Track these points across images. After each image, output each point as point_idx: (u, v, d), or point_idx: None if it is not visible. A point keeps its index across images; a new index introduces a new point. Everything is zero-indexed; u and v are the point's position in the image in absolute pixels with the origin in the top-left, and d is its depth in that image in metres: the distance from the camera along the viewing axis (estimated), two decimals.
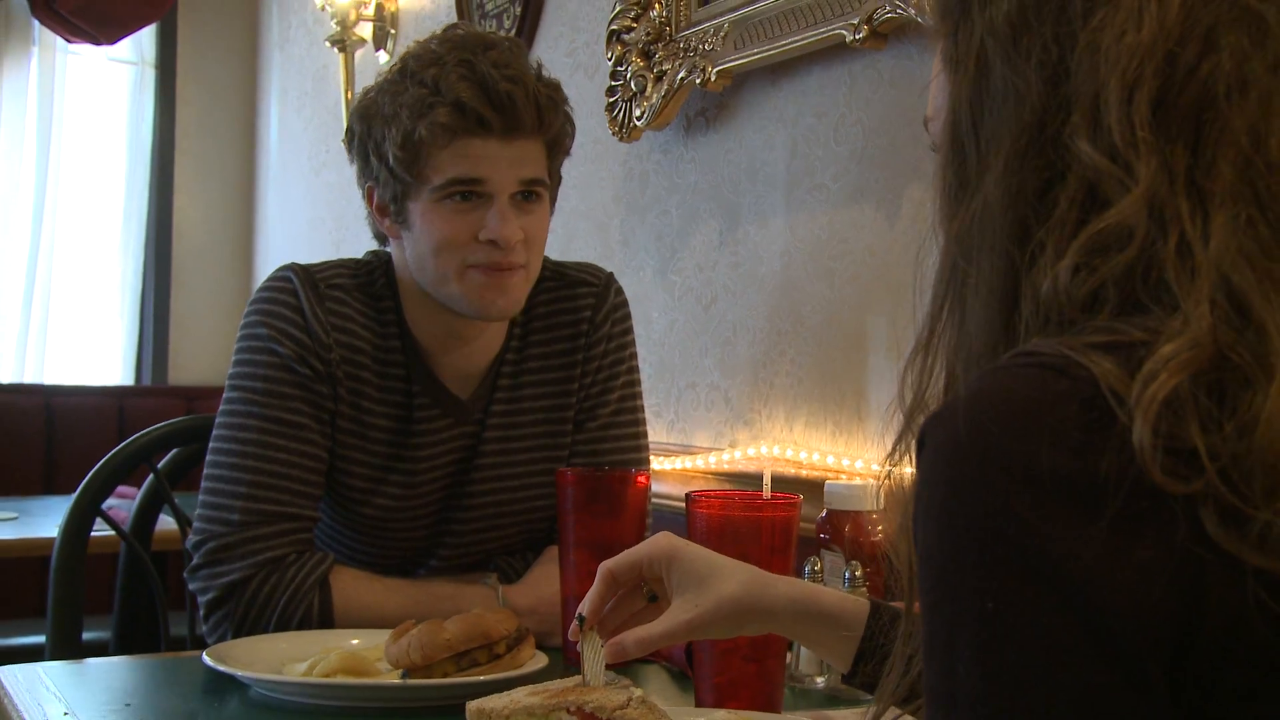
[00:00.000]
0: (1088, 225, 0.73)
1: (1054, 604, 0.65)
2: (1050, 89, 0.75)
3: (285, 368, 1.64)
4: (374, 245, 1.80)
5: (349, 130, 1.70)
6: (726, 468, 2.27)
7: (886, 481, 0.87)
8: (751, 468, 2.19)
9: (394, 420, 1.70)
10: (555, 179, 1.72)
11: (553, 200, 1.73)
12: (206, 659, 1.38)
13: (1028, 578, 0.65)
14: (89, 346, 4.83)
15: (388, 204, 1.67)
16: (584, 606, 1.14)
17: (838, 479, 1.78)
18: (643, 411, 1.83)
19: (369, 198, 1.70)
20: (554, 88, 1.66)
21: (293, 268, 1.70)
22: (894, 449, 0.85)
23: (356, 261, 1.76)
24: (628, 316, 1.82)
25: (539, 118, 1.62)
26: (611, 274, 1.82)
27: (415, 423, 1.70)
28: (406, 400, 1.70)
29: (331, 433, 1.67)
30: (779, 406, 2.24)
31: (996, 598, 0.66)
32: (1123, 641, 0.64)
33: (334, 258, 1.78)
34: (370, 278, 1.73)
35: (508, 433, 1.75)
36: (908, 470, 0.81)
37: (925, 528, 0.70)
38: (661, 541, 1.14)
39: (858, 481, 1.62)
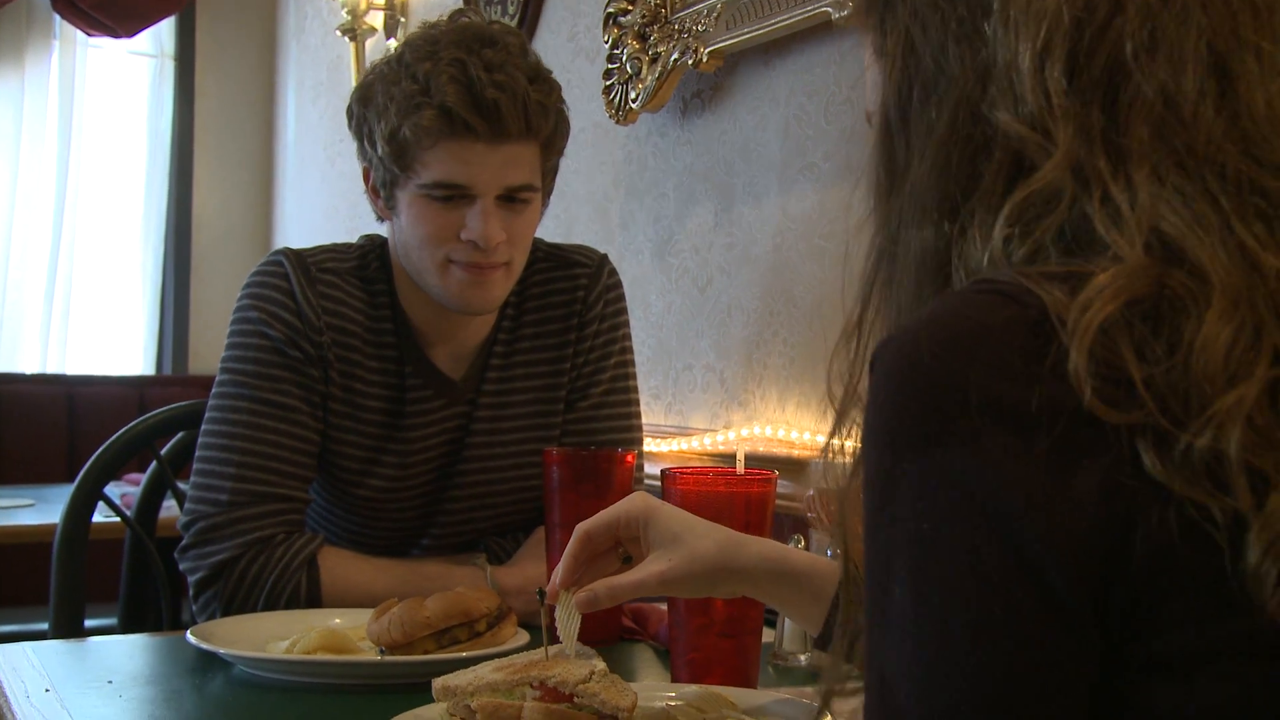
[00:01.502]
0: (1014, 192, 0.73)
1: (986, 529, 0.65)
2: (971, 63, 0.76)
3: (276, 350, 1.65)
4: (382, 230, 1.80)
5: (349, 110, 1.70)
6: (722, 448, 2.27)
7: (824, 473, 0.87)
8: (745, 449, 2.20)
9: (386, 401, 1.70)
10: (550, 176, 1.71)
11: (548, 193, 1.72)
12: (190, 637, 1.39)
13: (962, 502, 0.66)
14: (110, 337, 4.88)
15: (379, 188, 1.68)
16: (558, 571, 1.14)
17: None
18: (636, 393, 1.83)
19: (365, 177, 1.71)
20: (546, 91, 1.63)
21: (284, 252, 1.71)
22: (828, 442, 0.85)
23: (349, 245, 1.76)
24: (621, 298, 1.82)
25: (527, 123, 1.59)
26: (605, 255, 1.82)
27: (408, 403, 1.71)
28: (399, 381, 1.71)
29: (323, 415, 1.67)
30: (771, 387, 2.24)
31: (931, 520, 0.66)
32: (1052, 570, 0.64)
33: None
34: (363, 260, 1.73)
35: (499, 412, 1.75)
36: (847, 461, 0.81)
37: (869, 450, 0.71)
38: (637, 500, 1.15)
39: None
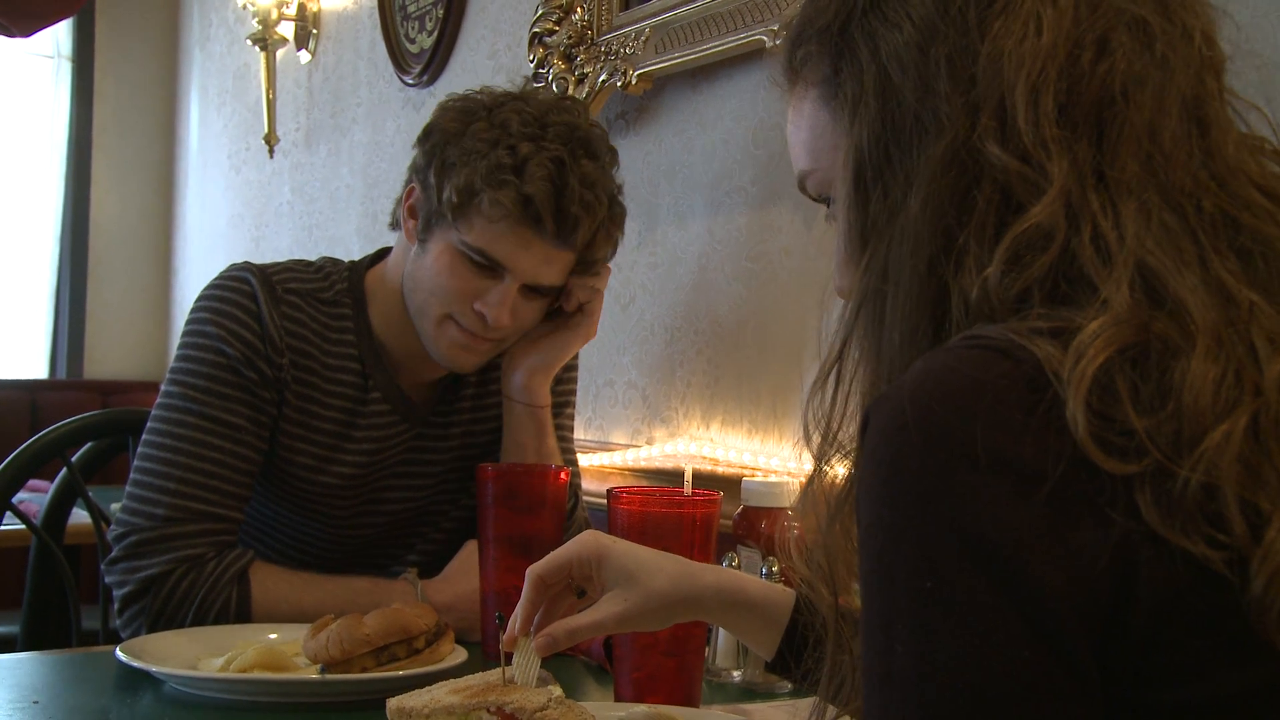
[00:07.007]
0: (1010, 227, 0.75)
1: (990, 583, 0.65)
2: (961, 100, 0.78)
3: (231, 369, 1.62)
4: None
5: (432, 126, 1.67)
6: (644, 464, 2.29)
7: (803, 517, 0.88)
8: (669, 465, 2.22)
9: (340, 425, 1.70)
10: (583, 270, 1.71)
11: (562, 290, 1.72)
12: (120, 654, 1.36)
13: (964, 557, 0.66)
14: (3, 339, 4.76)
15: (418, 214, 1.68)
16: (516, 618, 1.14)
17: (754, 476, 1.80)
18: (573, 440, 1.88)
19: (408, 194, 1.70)
20: (619, 222, 1.68)
21: (249, 268, 1.69)
22: (806, 488, 0.86)
23: (308, 264, 1.75)
24: (577, 358, 1.87)
25: (591, 242, 1.64)
26: None
27: (362, 417, 1.71)
28: (359, 407, 1.71)
29: (270, 435, 1.66)
30: (696, 404, 2.27)
31: (934, 576, 0.66)
32: (1055, 621, 0.65)
33: (253, 255, 1.78)
34: (326, 283, 1.73)
35: (467, 440, 1.79)
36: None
37: (866, 507, 0.71)
38: (588, 540, 1.15)
39: (774, 479, 1.64)
